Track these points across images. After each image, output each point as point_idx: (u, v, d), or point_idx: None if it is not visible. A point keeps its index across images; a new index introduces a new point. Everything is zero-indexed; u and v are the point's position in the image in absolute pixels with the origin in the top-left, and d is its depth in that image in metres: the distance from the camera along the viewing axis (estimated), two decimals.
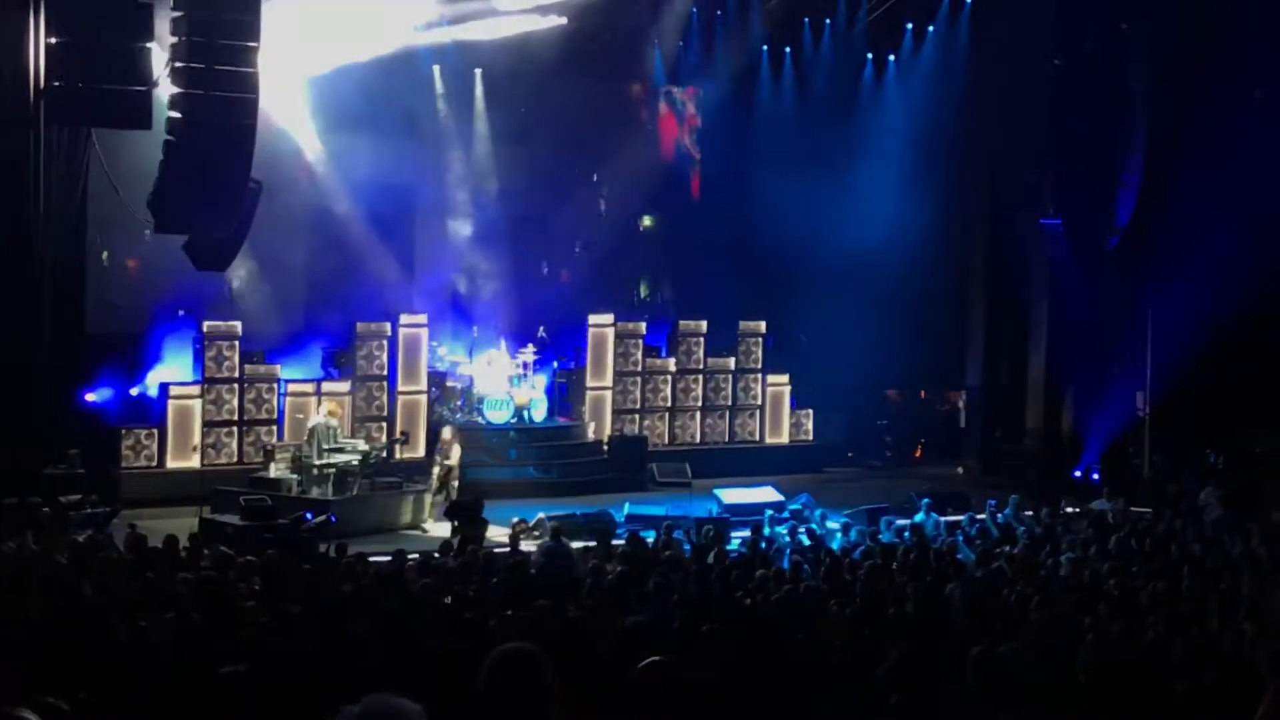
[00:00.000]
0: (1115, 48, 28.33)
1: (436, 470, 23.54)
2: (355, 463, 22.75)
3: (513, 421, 27.21)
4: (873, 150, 30.63)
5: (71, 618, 10.63)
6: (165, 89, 21.21)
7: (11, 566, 13.93)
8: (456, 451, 23.68)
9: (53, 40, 20.63)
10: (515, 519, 19.76)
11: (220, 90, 20.82)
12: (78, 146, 22.45)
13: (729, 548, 18.50)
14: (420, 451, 26.09)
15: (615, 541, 19.20)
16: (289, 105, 26.35)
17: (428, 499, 23.11)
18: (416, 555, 16.63)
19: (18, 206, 21.21)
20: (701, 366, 29.70)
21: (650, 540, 18.38)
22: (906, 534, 19.75)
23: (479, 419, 27.09)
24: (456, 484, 23.36)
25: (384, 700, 4.17)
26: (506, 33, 28.03)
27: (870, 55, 31.76)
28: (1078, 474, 27.73)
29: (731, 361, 29.87)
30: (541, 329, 29.70)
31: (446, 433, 24.03)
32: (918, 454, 31.79)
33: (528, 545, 18.76)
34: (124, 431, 24.34)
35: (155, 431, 24.58)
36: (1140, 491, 25.08)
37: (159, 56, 21.22)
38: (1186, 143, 27.37)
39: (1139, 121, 28.15)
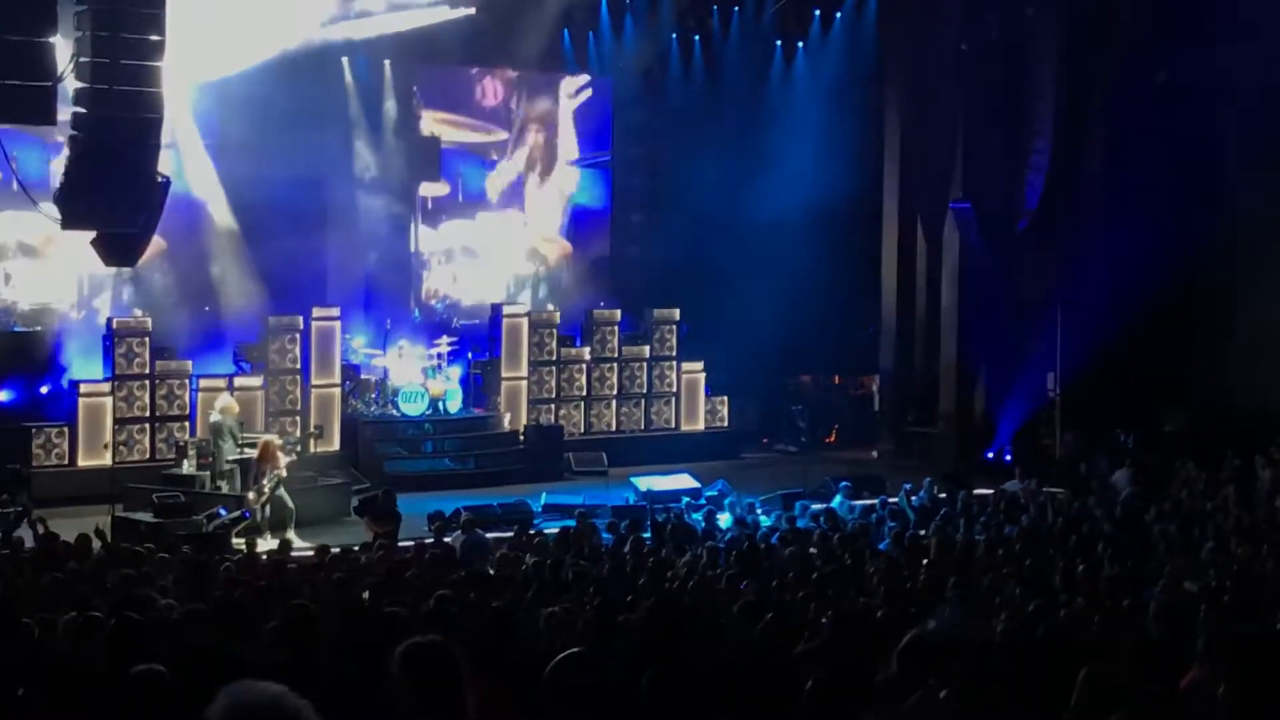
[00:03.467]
0: (1022, 32, 28.59)
1: (269, 483, 21.17)
2: None
3: (428, 413, 27.12)
4: (783, 137, 30.75)
5: None
6: (70, 84, 20.95)
7: None
8: (284, 460, 21.83)
9: None
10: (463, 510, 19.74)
11: (125, 85, 20.55)
12: None
13: (644, 535, 18.53)
14: (335, 445, 26.00)
15: (533, 531, 19.25)
16: (195, 102, 26.24)
17: (259, 513, 21.20)
18: (337, 549, 16.56)
19: None
20: (616, 355, 29.71)
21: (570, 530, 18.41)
22: (822, 518, 19.85)
23: (394, 411, 27.00)
24: (284, 492, 21.44)
25: (245, 689, 4.11)
26: (416, 24, 27.94)
27: (779, 42, 31.91)
28: (990, 455, 28.00)
29: (646, 349, 29.89)
30: (455, 319, 29.72)
31: (275, 443, 21.94)
32: (832, 438, 31.96)
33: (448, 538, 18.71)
34: (34, 430, 24.06)
35: (66, 429, 24.32)
36: (1052, 472, 25.33)
37: (63, 51, 20.94)
38: (1093, 125, 27.69)
39: (1046, 105, 28.41)
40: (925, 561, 15.75)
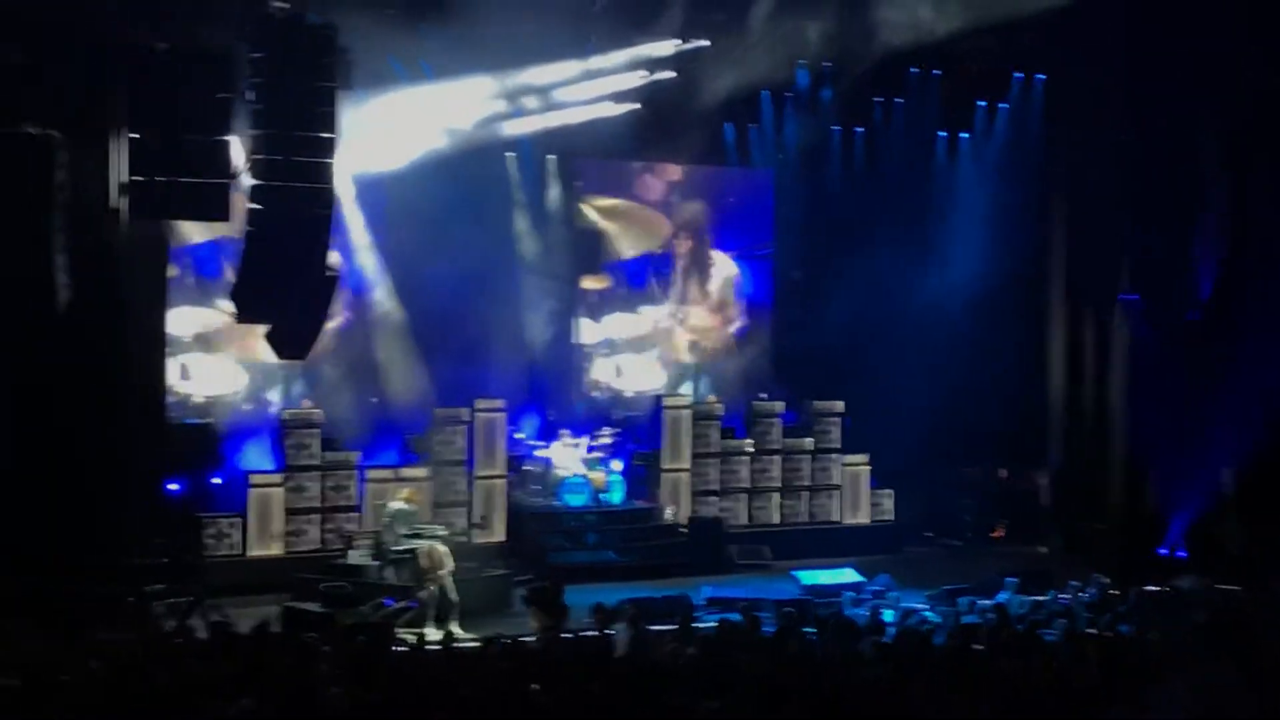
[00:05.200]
0: (1190, 121, 28.20)
1: (435, 573, 21.43)
2: None
3: (590, 505, 27.25)
4: (947, 227, 30.71)
5: (157, 706, 10.68)
6: (245, 179, 21.55)
7: (101, 656, 14.03)
8: (445, 552, 21.95)
9: (134, 135, 20.99)
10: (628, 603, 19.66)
11: (298, 181, 21.10)
12: (158, 238, 22.80)
13: (807, 629, 18.36)
14: (499, 536, 26.15)
15: (695, 624, 19.15)
16: (361, 195, 26.85)
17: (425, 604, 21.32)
18: (505, 640, 16.54)
19: (102, 300, 21.50)
20: (779, 447, 29.61)
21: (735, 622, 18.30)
22: (990, 614, 19.58)
23: (557, 502, 27.15)
24: (449, 583, 21.62)
25: None
26: (579, 119, 28.31)
27: (943, 133, 31.83)
28: (1163, 552, 27.40)
29: (809, 441, 29.77)
30: (617, 411, 29.86)
31: (439, 552, 21.92)
32: (999, 533, 31.48)
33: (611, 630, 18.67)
34: (206, 520, 24.49)
35: (238, 519, 24.75)
36: (1226, 569, 24.72)
37: (238, 148, 21.57)
38: (1268, 213, 27.19)
39: (1217, 193, 27.97)
40: (1096, 660, 15.44)
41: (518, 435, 28.11)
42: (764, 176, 32.61)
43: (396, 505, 23.13)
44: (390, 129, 25.96)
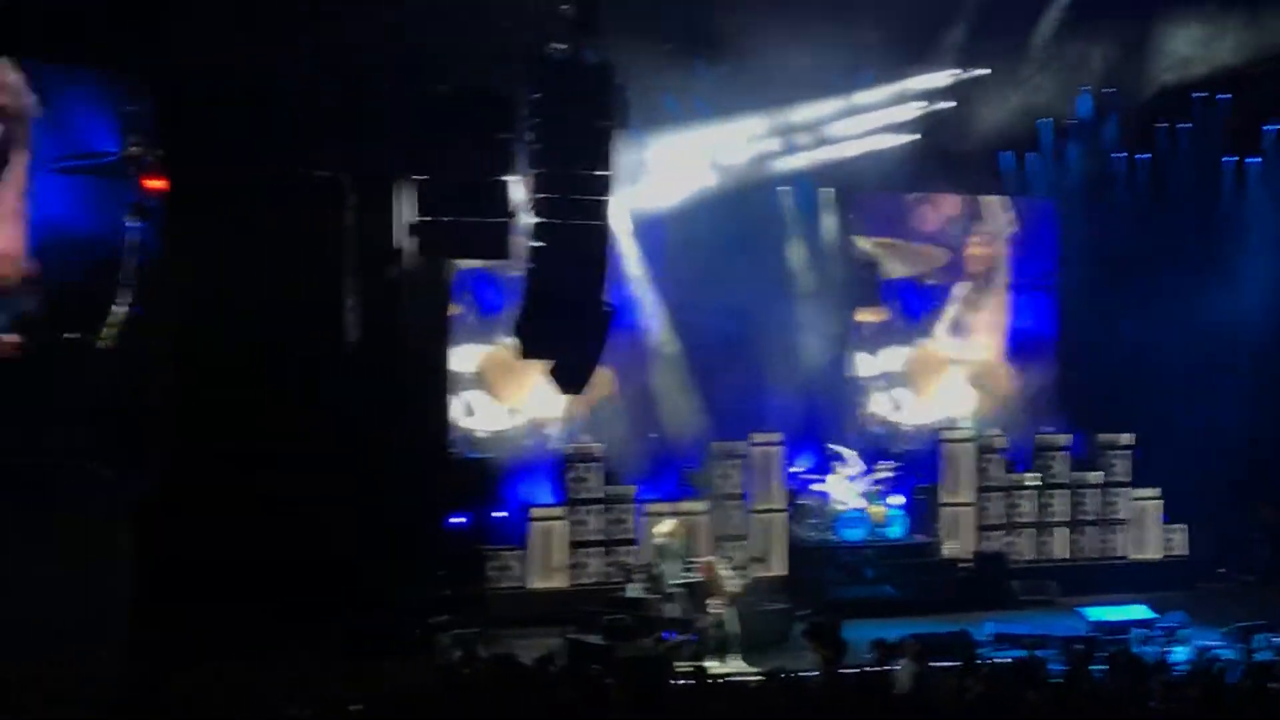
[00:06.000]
0: None
1: (714, 606, 21.72)
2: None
3: (869, 539, 27.01)
4: (1237, 254, 29.80)
5: None
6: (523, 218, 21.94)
7: (390, 687, 14.35)
8: (728, 583, 22.27)
9: (418, 177, 21.57)
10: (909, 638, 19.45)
11: (576, 219, 21.39)
12: (442, 277, 23.35)
13: (1094, 668, 17.91)
14: (777, 570, 26.09)
15: (979, 661, 18.81)
16: (636, 234, 27.18)
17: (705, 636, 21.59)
18: (784, 675, 16.47)
19: (389, 338, 22.07)
20: (1065, 481, 28.98)
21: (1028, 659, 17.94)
22: None
23: (834, 536, 26.98)
24: (729, 616, 21.90)
25: None
26: (855, 153, 28.17)
27: (1230, 158, 30.87)
28: None
29: (1096, 475, 29.08)
30: (895, 444, 29.54)
31: (718, 567, 22.52)
32: None
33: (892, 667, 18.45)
34: (489, 553, 24.90)
35: (519, 553, 25.13)
36: None
37: (518, 187, 21.98)
38: None
39: None
40: None
41: (793, 469, 28.00)
42: (1046, 206, 31.94)
43: (660, 540, 23.26)
44: (666, 166, 26.21)
